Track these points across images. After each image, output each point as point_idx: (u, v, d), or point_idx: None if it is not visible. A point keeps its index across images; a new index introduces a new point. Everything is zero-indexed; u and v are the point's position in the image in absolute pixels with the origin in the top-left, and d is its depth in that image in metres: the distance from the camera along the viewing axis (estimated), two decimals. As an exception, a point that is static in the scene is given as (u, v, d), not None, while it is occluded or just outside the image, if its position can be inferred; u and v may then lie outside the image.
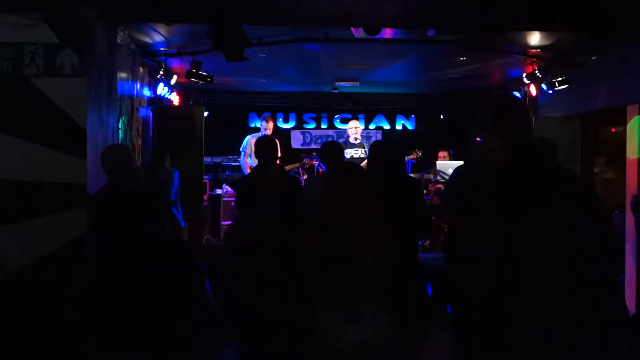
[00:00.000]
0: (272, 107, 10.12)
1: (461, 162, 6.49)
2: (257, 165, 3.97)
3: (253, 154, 7.10)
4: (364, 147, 6.88)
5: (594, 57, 5.83)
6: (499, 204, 1.86)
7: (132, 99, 5.73)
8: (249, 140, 7.25)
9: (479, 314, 1.88)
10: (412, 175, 7.46)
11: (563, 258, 1.80)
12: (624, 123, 5.58)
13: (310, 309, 2.35)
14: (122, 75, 5.10)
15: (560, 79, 6.18)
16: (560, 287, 1.80)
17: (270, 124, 7.12)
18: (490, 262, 1.85)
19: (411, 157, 7.46)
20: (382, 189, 2.99)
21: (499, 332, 1.84)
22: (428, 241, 7.04)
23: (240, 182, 4.27)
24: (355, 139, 6.99)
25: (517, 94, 7.54)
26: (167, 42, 5.74)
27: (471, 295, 1.90)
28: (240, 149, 7.32)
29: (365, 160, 6.60)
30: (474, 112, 2.08)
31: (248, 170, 7.24)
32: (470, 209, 1.95)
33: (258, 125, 7.44)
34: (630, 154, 5.35)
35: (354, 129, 7.05)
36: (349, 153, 6.71)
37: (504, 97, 2.18)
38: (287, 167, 7.44)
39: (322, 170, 7.21)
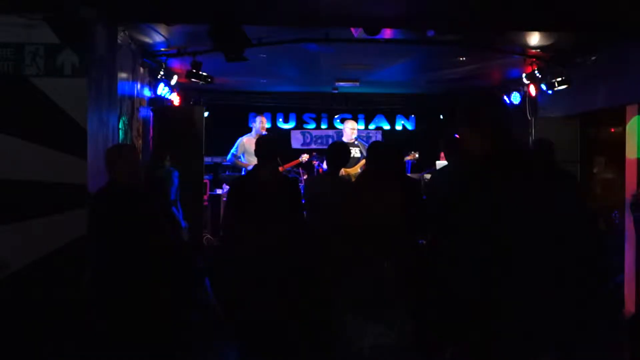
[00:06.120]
0: (272, 107, 10.13)
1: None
2: (255, 165, 3.96)
3: (247, 154, 7.15)
4: (359, 147, 6.87)
5: (594, 57, 5.84)
6: (478, 203, 1.87)
7: (133, 99, 5.74)
8: (241, 141, 7.31)
9: (466, 312, 1.89)
10: (411, 175, 7.46)
11: (543, 256, 1.80)
12: (623, 123, 5.58)
13: (327, 310, 2.37)
14: (123, 75, 5.10)
15: (559, 79, 6.18)
16: (542, 285, 1.81)
17: (264, 120, 7.38)
18: (473, 260, 1.86)
19: (408, 157, 7.46)
20: (403, 194, 3.00)
21: (486, 330, 1.85)
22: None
23: (235, 181, 4.27)
24: (352, 139, 6.98)
25: (517, 94, 7.54)
26: (167, 42, 5.74)
27: (459, 295, 1.91)
28: (232, 150, 7.37)
29: (363, 161, 6.63)
30: (454, 110, 2.09)
31: (241, 166, 7.30)
32: (451, 208, 1.97)
33: (256, 125, 7.47)
34: (630, 154, 5.35)
35: (350, 130, 7.03)
36: None
37: (482, 96, 2.20)
38: (286, 166, 7.47)
39: (322, 170, 7.22)
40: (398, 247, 2.46)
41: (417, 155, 7.50)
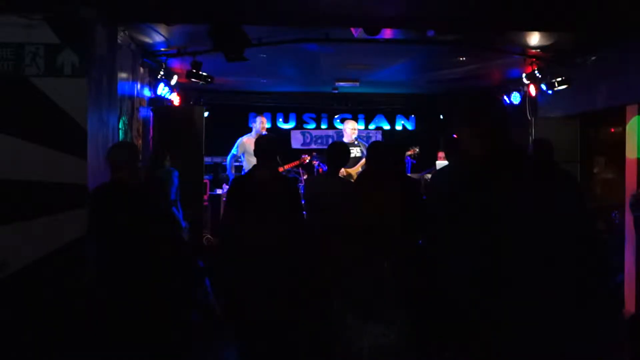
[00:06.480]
0: (272, 107, 10.13)
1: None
2: (254, 165, 3.96)
3: (247, 154, 7.17)
4: (359, 146, 6.87)
5: (594, 57, 5.84)
6: (477, 203, 1.87)
7: (133, 99, 5.73)
8: (241, 141, 7.33)
9: (466, 314, 1.88)
10: (411, 175, 7.47)
11: (543, 256, 1.80)
12: (623, 123, 5.58)
13: (327, 310, 2.37)
14: (123, 75, 5.10)
15: (559, 79, 6.19)
16: (543, 286, 1.80)
17: (264, 120, 7.41)
18: (473, 260, 1.85)
19: (409, 153, 7.47)
20: (403, 194, 3.00)
21: (486, 330, 1.84)
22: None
23: (235, 181, 4.27)
24: (353, 139, 6.97)
25: (517, 94, 7.55)
26: (167, 42, 5.74)
27: (458, 296, 1.90)
28: (233, 151, 7.41)
29: (363, 160, 6.63)
30: (452, 110, 2.10)
31: (232, 171, 7.37)
32: (451, 208, 1.97)
33: (256, 125, 7.49)
34: (630, 154, 5.36)
35: (350, 130, 7.02)
36: None
37: (482, 97, 2.20)
38: (286, 166, 7.47)
39: (322, 170, 7.22)
40: (398, 247, 2.46)
41: (417, 150, 7.51)
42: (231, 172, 7.50)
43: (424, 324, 2.33)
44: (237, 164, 7.54)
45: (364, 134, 10.05)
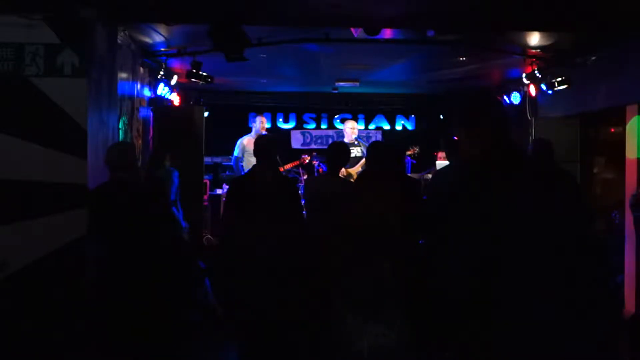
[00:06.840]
0: (272, 107, 10.13)
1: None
2: (254, 165, 3.96)
3: (247, 154, 7.16)
4: (360, 146, 6.88)
5: (594, 57, 5.84)
6: (477, 203, 1.87)
7: (133, 99, 5.73)
8: (241, 141, 7.32)
9: (465, 313, 1.88)
10: (411, 175, 7.47)
11: (543, 257, 1.80)
12: (623, 123, 5.58)
13: (327, 310, 2.36)
14: (123, 75, 5.10)
15: (559, 79, 6.19)
16: (543, 286, 1.80)
17: (264, 120, 7.39)
18: (472, 261, 1.85)
19: (409, 153, 7.48)
20: (403, 194, 3.01)
21: (485, 331, 1.84)
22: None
23: (234, 181, 4.28)
24: (353, 139, 6.98)
25: (517, 94, 7.55)
26: (167, 43, 5.74)
27: (458, 296, 1.90)
28: (235, 153, 7.39)
29: (363, 159, 6.63)
30: (451, 111, 2.10)
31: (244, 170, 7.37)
32: (451, 208, 1.96)
33: (256, 125, 7.48)
34: (630, 154, 5.36)
35: (350, 130, 7.03)
36: None
37: (481, 97, 2.20)
38: (286, 166, 7.47)
39: (323, 171, 7.22)
40: (398, 247, 2.47)
41: (417, 150, 7.51)
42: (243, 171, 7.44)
43: (424, 324, 2.33)
44: (240, 164, 7.53)
45: (364, 134, 10.05)
